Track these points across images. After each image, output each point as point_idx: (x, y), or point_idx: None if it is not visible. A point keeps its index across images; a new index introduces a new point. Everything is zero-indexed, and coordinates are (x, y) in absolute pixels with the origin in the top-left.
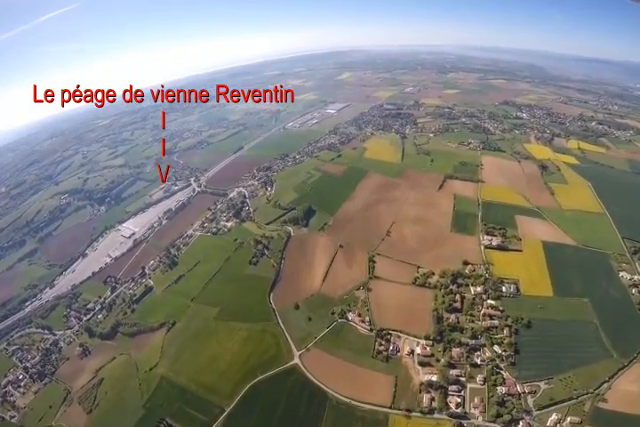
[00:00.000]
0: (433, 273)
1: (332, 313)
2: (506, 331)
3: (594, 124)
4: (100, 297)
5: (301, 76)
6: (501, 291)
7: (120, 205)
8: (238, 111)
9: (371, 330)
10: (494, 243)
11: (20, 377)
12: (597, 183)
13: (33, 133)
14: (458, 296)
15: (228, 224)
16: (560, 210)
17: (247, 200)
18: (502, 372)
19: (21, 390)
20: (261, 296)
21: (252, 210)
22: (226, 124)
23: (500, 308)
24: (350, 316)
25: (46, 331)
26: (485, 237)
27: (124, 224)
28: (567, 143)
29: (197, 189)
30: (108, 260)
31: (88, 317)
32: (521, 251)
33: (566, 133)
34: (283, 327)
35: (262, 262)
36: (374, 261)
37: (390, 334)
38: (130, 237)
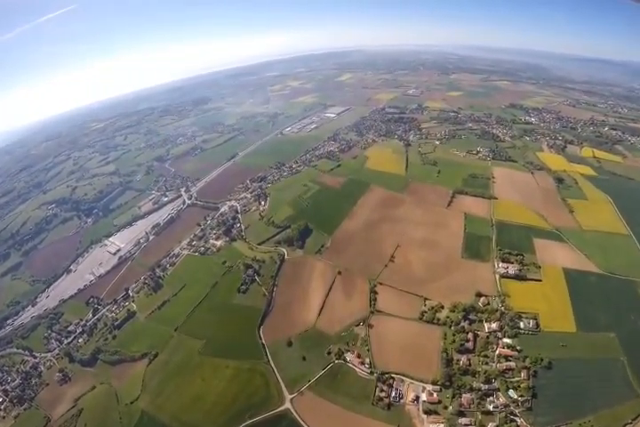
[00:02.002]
0: (442, 307)
1: (329, 353)
2: (523, 373)
3: (606, 129)
4: (81, 319)
5: (301, 78)
6: (519, 327)
7: (107, 218)
8: (235, 115)
9: (371, 373)
10: (511, 271)
11: (0, 400)
12: (618, 198)
13: (31, 135)
14: (470, 335)
15: (218, 243)
16: (581, 231)
17: (239, 216)
18: (517, 418)
19: (1, 413)
20: (250, 330)
21: (243, 227)
22: (221, 128)
23: (518, 347)
24: (348, 356)
25: (27, 352)
26: (500, 264)
27: (110, 239)
28: (581, 151)
29: (187, 201)
30: (92, 278)
31: (69, 340)
32: (540, 280)
33: (579, 140)
34: (273, 366)
35: (252, 290)
36: (376, 292)
37: (393, 378)
38: (115, 253)
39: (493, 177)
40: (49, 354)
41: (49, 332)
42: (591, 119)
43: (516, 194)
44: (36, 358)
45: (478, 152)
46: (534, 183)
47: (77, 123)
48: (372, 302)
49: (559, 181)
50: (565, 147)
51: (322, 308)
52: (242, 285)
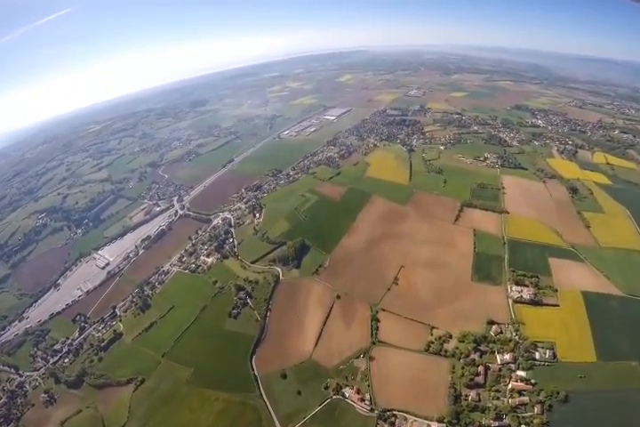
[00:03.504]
0: (450, 336)
1: (326, 387)
2: (537, 408)
3: (617, 132)
4: (67, 338)
5: (301, 78)
6: (534, 358)
7: (98, 228)
8: (232, 117)
9: (372, 410)
10: (525, 296)
11: None
12: (636, 210)
13: (29, 137)
14: (481, 368)
15: (209, 260)
16: (599, 249)
17: (232, 229)
18: None
19: None
20: (241, 359)
21: (236, 243)
22: (217, 132)
23: (532, 380)
24: (347, 392)
25: (13, 370)
26: (514, 287)
27: (99, 252)
28: (593, 157)
29: (180, 211)
30: (80, 293)
31: (55, 359)
32: (558, 306)
33: (590, 145)
34: (266, 400)
35: (244, 315)
36: (378, 320)
37: (395, 415)
38: (104, 267)
39: (503, 187)
40: (35, 373)
41: (35, 350)
42: (599, 122)
43: (528, 207)
44: (22, 376)
45: (486, 158)
46: (547, 194)
47: (75, 125)
48: (374, 332)
49: (573, 191)
50: (576, 152)
51: (319, 337)
52: (233, 309)
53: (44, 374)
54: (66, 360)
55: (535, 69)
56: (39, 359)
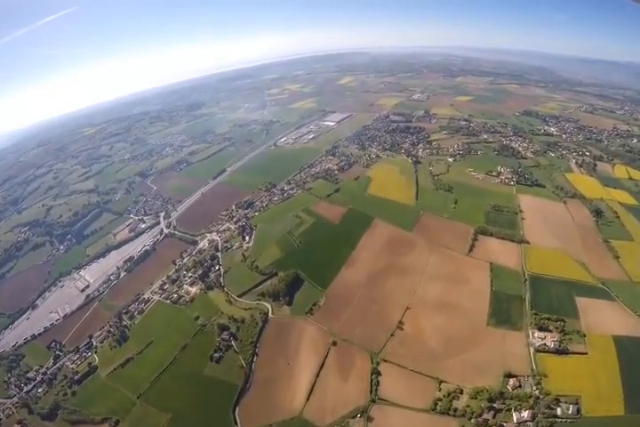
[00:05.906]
0: (461, 391)
1: None
2: None
3: (635, 141)
4: (41, 366)
5: (300, 81)
6: (556, 415)
7: (80, 245)
8: (227, 122)
9: None
10: (549, 343)
11: None
12: None
13: (27, 139)
14: None
15: (192, 290)
16: (631, 284)
17: (218, 255)
18: None
19: None
20: (223, 410)
21: (222, 271)
22: (211, 138)
23: None
24: None
25: None
26: (537, 333)
27: (80, 271)
28: (614, 170)
29: (165, 230)
30: (57, 317)
31: (28, 387)
32: (585, 353)
33: (609, 156)
34: None
35: (227, 359)
36: (379, 373)
37: None
38: (83, 290)
39: (521, 210)
40: (8, 401)
41: (9, 376)
42: (614, 129)
43: (550, 235)
44: None
45: (499, 173)
46: (569, 218)
47: (71, 127)
48: (374, 387)
49: (597, 213)
50: (595, 165)
51: (311, 390)
52: (215, 351)
53: (17, 402)
54: (39, 390)
55: (538, 71)
56: (13, 386)
